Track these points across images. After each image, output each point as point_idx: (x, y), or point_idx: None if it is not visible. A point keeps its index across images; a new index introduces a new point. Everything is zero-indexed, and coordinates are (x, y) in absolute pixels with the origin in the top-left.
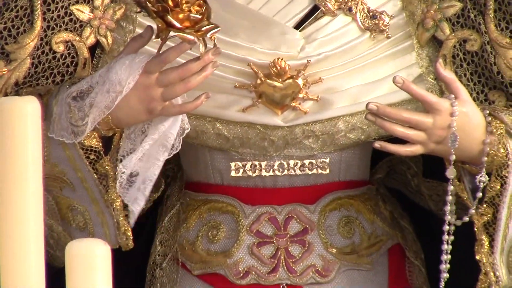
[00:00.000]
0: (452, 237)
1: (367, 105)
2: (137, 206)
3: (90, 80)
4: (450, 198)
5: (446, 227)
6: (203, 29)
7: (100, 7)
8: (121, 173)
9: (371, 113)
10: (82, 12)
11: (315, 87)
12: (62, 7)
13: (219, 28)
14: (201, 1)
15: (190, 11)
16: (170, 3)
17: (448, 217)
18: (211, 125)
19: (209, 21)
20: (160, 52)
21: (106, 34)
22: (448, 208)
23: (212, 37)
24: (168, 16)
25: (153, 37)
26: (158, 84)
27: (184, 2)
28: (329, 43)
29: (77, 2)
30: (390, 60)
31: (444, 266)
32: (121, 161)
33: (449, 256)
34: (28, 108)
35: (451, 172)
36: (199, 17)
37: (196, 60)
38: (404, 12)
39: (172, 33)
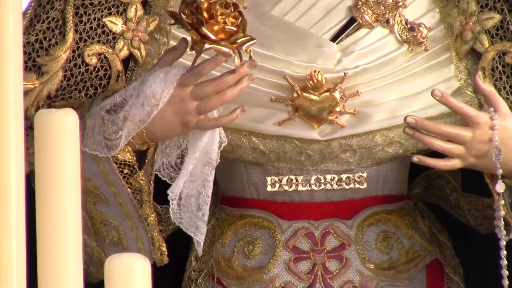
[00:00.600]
0: (505, 252)
1: (405, 118)
2: (200, 235)
3: (124, 93)
4: (502, 213)
5: (503, 242)
6: (239, 41)
7: (134, 19)
8: (171, 200)
9: (409, 126)
10: (115, 24)
11: (352, 100)
12: (94, 19)
13: (255, 41)
14: (237, 13)
15: (225, 23)
16: (205, 14)
17: (503, 232)
18: (247, 139)
19: (245, 33)
20: (195, 65)
21: (140, 46)
22: (501, 223)
23: (248, 50)
24: (203, 28)
25: (188, 49)
26: (193, 97)
27: (219, 14)
28: (366, 55)
29: (109, 14)
30: (428, 73)
31: (506, 282)
32: (156, 176)
33: (507, 272)
34: (66, 121)
35: (500, 187)
36: (234, 29)
37: (231, 72)
38: (443, 24)
39: (207, 45)
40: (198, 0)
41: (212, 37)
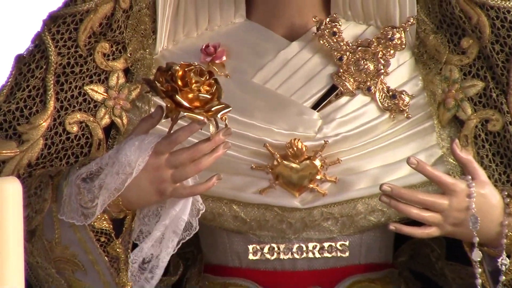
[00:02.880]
0: None
1: (380, 186)
2: None
3: (100, 161)
4: (479, 281)
5: None
6: (213, 109)
7: (115, 87)
8: (132, 263)
9: (385, 194)
10: (97, 92)
11: (333, 168)
12: (76, 87)
13: (230, 108)
14: (212, 81)
15: (199, 90)
16: (180, 82)
17: None
18: (228, 207)
19: (220, 101)
20: (170, 133)
21: (121, 114)
22: None
23: (223, 118)
24: (177, 96)
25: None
26: (168, 165)
27: (193, 81)
28: (347, 123)
29: (91, 82)
30: (410, 140)
31: None
32: (133, 244)
33: None
34: (10, 189)
35: (476, 255)
36: (209, 97)
37: (206, 140)
38: (425, 91)
39: (182, 113)
40: (173, 68)
41: (186, 105)
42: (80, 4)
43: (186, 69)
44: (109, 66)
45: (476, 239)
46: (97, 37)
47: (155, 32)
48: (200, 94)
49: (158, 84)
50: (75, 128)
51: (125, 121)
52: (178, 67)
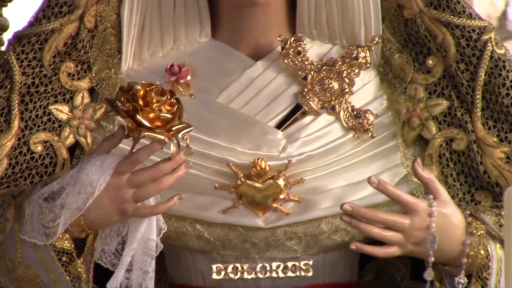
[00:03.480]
0: None
1: (341, 206)
2: None
3: (62, 181)
4: None
5: None
6: (174, 128)
7: (80, 106)
8: None
9: (347, 214)
10: (61, 111)
11: (297, 187)
12: (40, 106)
13: (191, 128)
14: (173, 101)
15: (160, 110)
16: (140, 102)
17: None
18: (192, 226)
19: (181, 120)
20: (132, 152)
21: (86, 134)
22: None
23: (185, 137)
24: (138, 116)
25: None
26: (130, 185)
27: (154, 101)
28: (311, 142)
29: (56, 102)
30: (375, 160)
31: None
32: (95, 264)
33: None
34: None
35: (429, 274)
36: (170, 116)
37: (168, 160)
38: (390, 110)
39: (143, 133)
40: (134, 88)
41: (147, 124)
42: (45, 24)
43: (147, 88)
44: (74, 85)
45: (432, 259)
46: (62, 56)
47: (121, 51)
48: (161, 114)
49: (119, 104)
50: (39, 148)
51: (89, 140)
52: (139, 87)
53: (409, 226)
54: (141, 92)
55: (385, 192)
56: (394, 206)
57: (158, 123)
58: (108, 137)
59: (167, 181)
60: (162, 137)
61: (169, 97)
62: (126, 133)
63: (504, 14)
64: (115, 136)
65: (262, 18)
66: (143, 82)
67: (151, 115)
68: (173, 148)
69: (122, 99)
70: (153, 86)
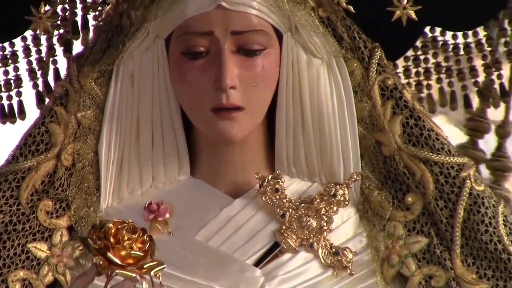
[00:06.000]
0: None
1: None
2: None
3: None
4: None
5: None
6: (146, 266)
7: (59, 244)
8: None
9: None
10: (40, 249)
11: None
12: (18, 244)
13: (164, 266)
14: (145, 238)
15: (132, 248)
16: (112, 240)
17: None
18: None
19: (153, 258)
20: None
21: (65, 272)
22: None
23: (157, 275)
24: (109, 254)
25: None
26: None
27: (126, 239)
28: (290, 280)
29: (34, 240)
30: None
31: None
32: None
33: None
34: None
35: None
36: (141, 254)
37: None
38: (369, 248)
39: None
40: (106, 225)
41: (118, 262)
42: (22, 162)
43: (119, 226)
44: (52, 223)
45: None
46: (39, 195)
47: (99, 189)
48: (132, 252)
49: (91, 242)
50: (17, 286)
51: (68, 278)
52: (111, 225)
53: None
54: (113, 230)
55: None
56: None
57: (130, 261)
58: (81, 275)
59: None
60: (134, 275)
61: (141, 234)
62: (98, 270)
63: None
64: (87, 274)
65: (239, 155)
66: (115, 220)
67: (123, 252)
68: (145, 285)
69: (94, 237)
70: (125, 224)
